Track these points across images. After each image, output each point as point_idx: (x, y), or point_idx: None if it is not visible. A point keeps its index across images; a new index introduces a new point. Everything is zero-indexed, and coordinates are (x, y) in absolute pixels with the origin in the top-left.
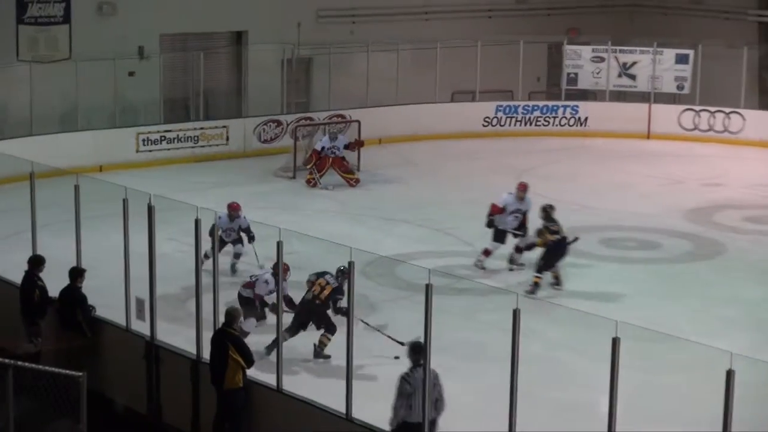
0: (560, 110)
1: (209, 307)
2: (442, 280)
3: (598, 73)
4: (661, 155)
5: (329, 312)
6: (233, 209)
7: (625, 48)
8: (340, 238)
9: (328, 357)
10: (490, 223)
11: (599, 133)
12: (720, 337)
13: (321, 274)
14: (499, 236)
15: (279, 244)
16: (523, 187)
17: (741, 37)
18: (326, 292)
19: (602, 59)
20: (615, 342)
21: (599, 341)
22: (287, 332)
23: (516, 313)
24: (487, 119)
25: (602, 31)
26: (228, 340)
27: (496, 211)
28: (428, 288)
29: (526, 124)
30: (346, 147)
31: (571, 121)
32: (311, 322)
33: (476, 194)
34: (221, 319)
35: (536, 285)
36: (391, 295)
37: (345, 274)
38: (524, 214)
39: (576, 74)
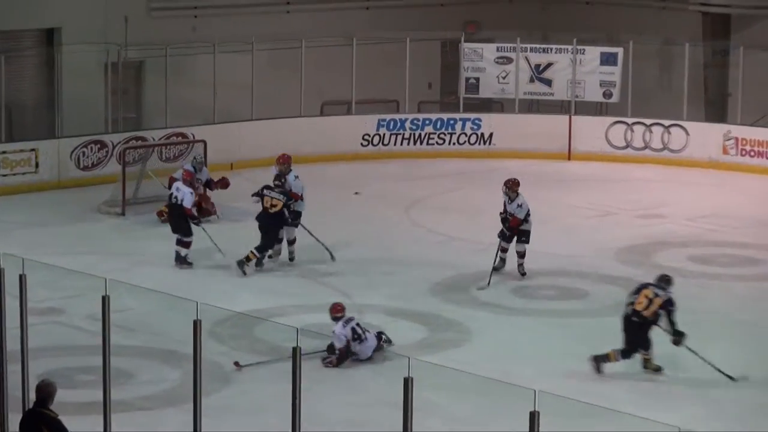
0: (458, 125)
1: (16, 381)
2: (315, 341)
3: (504, 78)
4: (585, 180)
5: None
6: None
7: (538, 46)
8: (182, 290)
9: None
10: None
11: (507, 152)
12: (665, 409)
13: (643, 286)
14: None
15: (105, 299)
16: (284, 160)
17: (681, 32)
18: (654, 307)
19: (510, 60)
20: (533, 417)
21: (514, 415)
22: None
23: (408, 383)
24: (366, 137)
25: (509, 26)
26: (42, 423)
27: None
28: (296, 352)
29: (415, 142)
30: (207, 185)
31: (472, 139)
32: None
33: (355, 232)
34: (32, 396)
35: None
36: (250, 361)
37: (670, 280)
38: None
39: (477, 79)
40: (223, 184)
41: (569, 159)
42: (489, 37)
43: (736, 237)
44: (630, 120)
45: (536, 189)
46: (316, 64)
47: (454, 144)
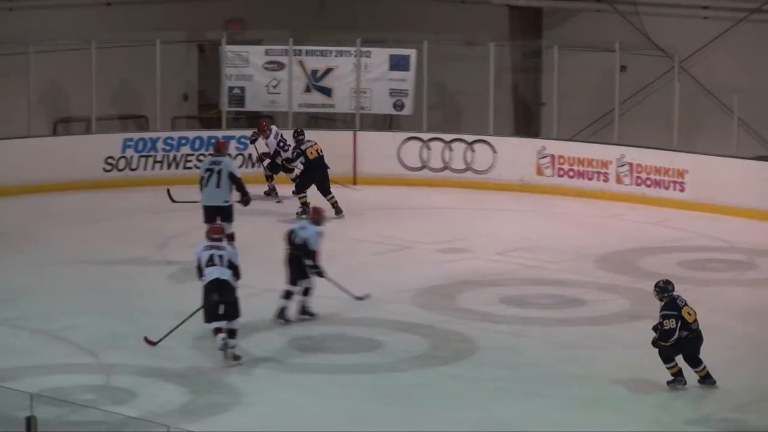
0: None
1: None
2: (52, 409)
3: (275, 87)
4: (374, 208)
5: None
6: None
7: (316, 48)
8: None
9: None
10: None
11: (281, 177)
12: None
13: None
14: None
15: None
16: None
17: (486, 30)
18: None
19: (281, 66)
20: None
21: None
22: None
23: None
24: (110, 160)
25: (280, 24)
26: None
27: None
28: (30, 422)
29: (169, 166)
30: None
31: (238, 161)
32: None
33: (97, 276)
34: None
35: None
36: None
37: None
38: None
39: (242, 89)
40: None
41: (355, 183)
42: (256, 39)
43: (555, 273)
44: (426, 136)
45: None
46: (47, 72)
47: None
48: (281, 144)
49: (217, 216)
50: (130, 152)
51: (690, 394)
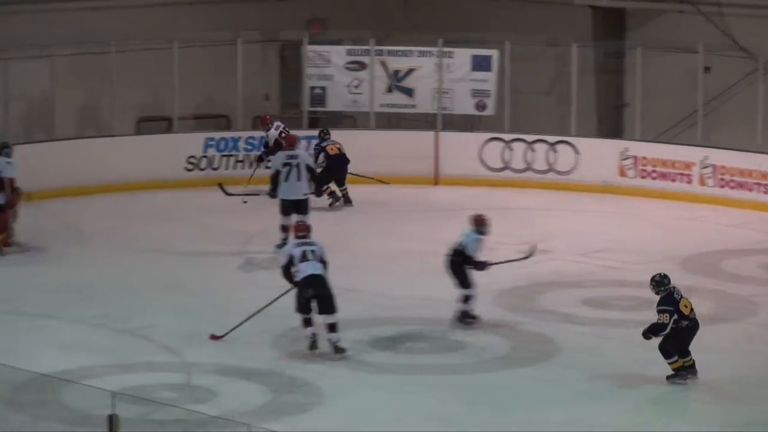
0: (301, 144)
1: None
2: (134, 407)
3: (357, 87)
4: (456, 209)
5: None
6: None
7: (397, 48)
8: None
9: None
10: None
11: (361, 178)
12: None
13: None
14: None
15: None
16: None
17: (568, 31)
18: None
19: (363, 66)
20: None
21: None
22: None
23: None
24: (192, 160)
25: (362, 24)
26: None
27: None
28: (112, 420)
29: (251, 165)
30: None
31: (319, 160)
32: None
33: (180, 274)
34: None
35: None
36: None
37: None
38: None
39: (324, 89)
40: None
41: (436, 183)
42: (338, 38)
43: (637, 275)
44: (508, 136)
45: (397, 220)
46: (130, 72)
47: None
48: (282, 135)
49: (293, 209)
50: (211, 152)
51: None
